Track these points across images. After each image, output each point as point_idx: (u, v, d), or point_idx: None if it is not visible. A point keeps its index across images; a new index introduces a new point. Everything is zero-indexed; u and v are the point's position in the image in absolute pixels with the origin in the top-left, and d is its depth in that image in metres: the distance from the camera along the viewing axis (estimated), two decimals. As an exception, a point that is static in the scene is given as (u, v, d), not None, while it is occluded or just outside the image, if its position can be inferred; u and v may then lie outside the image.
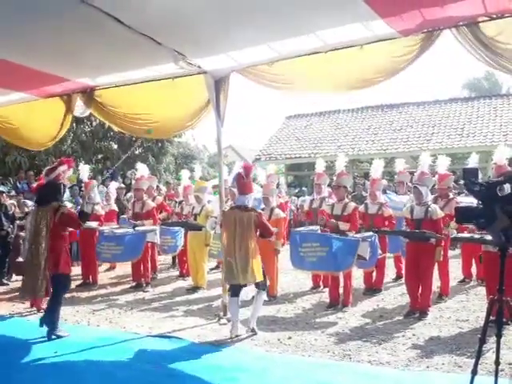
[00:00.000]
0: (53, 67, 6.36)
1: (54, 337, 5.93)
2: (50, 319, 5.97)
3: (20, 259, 9.43)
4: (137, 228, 8.78)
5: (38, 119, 8.13)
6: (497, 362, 3.40)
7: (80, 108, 7.75)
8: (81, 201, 10.69)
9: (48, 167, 6.67)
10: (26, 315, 7.23)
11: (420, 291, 6.61)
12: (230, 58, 6.11)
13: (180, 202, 10.24)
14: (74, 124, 16.67)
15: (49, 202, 5.99)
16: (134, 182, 10.43)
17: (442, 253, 6.72)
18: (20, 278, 9.64)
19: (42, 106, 7.84)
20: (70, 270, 6.25)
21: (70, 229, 6.52)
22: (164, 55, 5.86)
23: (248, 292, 5.97)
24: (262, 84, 6.33)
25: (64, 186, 6.41)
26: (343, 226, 7.17)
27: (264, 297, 6.05)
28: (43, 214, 5.94)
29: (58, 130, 8.08)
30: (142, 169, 10.18)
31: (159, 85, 6.86)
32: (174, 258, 10.94)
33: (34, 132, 8.47)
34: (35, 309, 7.28)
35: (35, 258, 5.85)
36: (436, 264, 6.86)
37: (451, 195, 8.06)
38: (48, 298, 6.12)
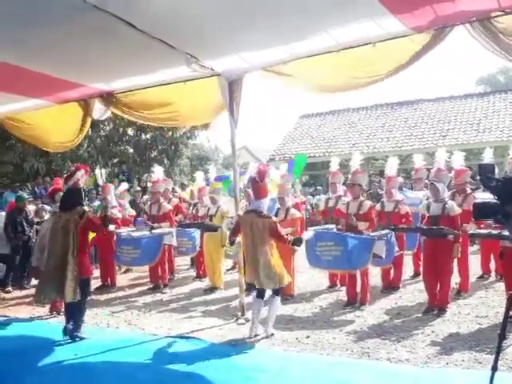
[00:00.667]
0: (66, 73, 6.43)
1: (77, 339, 6.02)
2: (76, 321, 6.08)
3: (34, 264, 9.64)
4: (154, 231, 8.85)
5: (57, 122, 8.27)
6: (517, 358, 3.38)
7: (98, 111, 7.85)
8: (98, 203, 10.77)
9: (65, 175, 6.83)
10: (46, 318, 7.33)
11: (438, 288, 6.57)
12: (242, 60, 6.15)
13: (195, 204, 10.28)
14: (90, 129, 16.85)
15: (73, 207, 6.10)
16: (150, 184, 10.49)
17: (461, 249, 6.67)
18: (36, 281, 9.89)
19: (60, 109, 7.97)
20: (91, 273, 6.37)
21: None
22: (177, 58, 5.91)
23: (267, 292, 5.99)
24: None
25: (84, 190, 6.54)
26: (362, 225, 7.15)
27: (278, 301, 6.03)
28: (69, 218, 6.02)
29: (77, 134, 8.21)
30: (157, 171, 10.26)
31: (174, 87, 6.94)
32: (192, 259, 10.99)
33: (54, 134, 8.64)
34: (55, 312, 7.37)
35: (61, 262, 5.90)
36: (455, 260, 6.82)
37: (469, 190, 7.99)
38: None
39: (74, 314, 6.11)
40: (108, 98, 7.53)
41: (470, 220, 7.04)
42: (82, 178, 6.57)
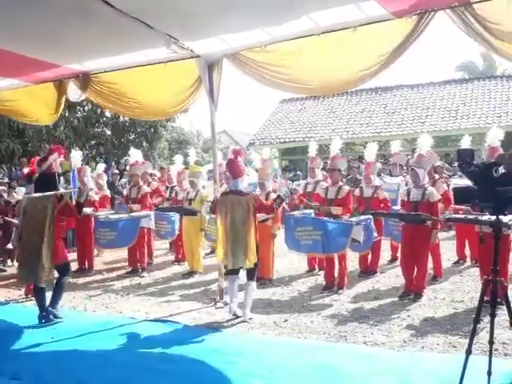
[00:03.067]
0: (42, 53, 6.29)
1: (50, 316, 6.02)
2: (53, 300, 6.10)
3: (9, 246, 9.55)
4: (131, 214, 8.78)
5: (33, 101, 8.18)
6: (491, 342, 3.43)
7: (75, 93, 7.70)
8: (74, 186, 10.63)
9: (39, 158, 6.66)
10: (21, 301, 7.25)
11: (415, 273, 6.65)
12: (222, 42, 6.07)
13: (172, 188, 10.21)
14: (66, 110, 16.56)
15: (47, 191, 5.99)
16: (128, 167, 10.37)
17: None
18: (11, 263, 9.80)
19: (35, 89, 7.84)
20: (67, 258, 6.35)
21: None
22: (156, 39, 5.81)
23: (243, 277, 6.02)
24: (250, 73, 6.31)
25: (58, 174, 6.41)
26: (336, 210, 7.19)
27: (254, 286, 6.07)
28: (43, 203, 5.93)
29: (52, 113, 8.13)
30: (135, 154, 10.15)
31: (152, 68, 6.82)
32: (171, 243, 10.94)
33: (31, 112, 8.58)
34: (30, 295, 7.28)
35: (36, 245, 5.85)
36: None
37: (437, 176, 8.07)
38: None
39: (51, 300, 6.09)
40: (83, 79, 7.39)
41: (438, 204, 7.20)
42: (55, 161, 6.36)
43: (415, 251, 6.57)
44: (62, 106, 8.18)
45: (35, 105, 8.25)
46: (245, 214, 5.79)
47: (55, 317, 6.07)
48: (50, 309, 6.05)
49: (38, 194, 6.10)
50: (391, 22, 5.19)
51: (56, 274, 6.10)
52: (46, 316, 6.04)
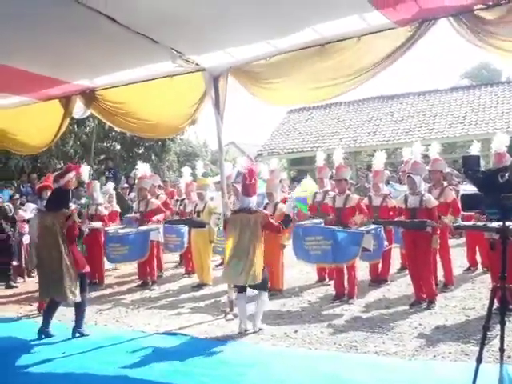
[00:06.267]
0: (49, 70, 6.37)
1: (77, 334, 6.06)
2: (77, 318, 6.13)
3: (15, 263, 9.63)
4: (140, 227, 8.82)
5: (35, 123, 8.14)
6: (501, 349, 3.41)
7: (79, 110, 7.77)
8: (85, 201, 10.71)
9: (57, 173, 6.82)
10: (33, 317, 7.28)
11: (422, 280, 6.61)
12: (227, 55, 6.12)
13: (182, 200, 10.24)
14: (75, 125, 16.71)
15: (59, 208, 6.05)
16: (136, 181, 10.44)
17: (439, 241, 6.72)
18: (22, 279, 9.88)
19: (39, 109, 7.86)
20: (87, 267, 6.36)
21: None
22: (161, 53, 5.89)
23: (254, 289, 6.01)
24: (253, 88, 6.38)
25: (72, 192, 6.51)
26: (358, 219, 7.24)
27: (265, 297, 6.05)
28: (55, 218, 5.99)
29: (54, 134, 8.08)
30: (142, 168, 10.22)
31: (157, 83, 6.88)
32: (181, 256, 10.95)
33: (30, 136, 8.48)
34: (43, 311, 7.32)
35: (54, 261, 5.89)
36: (438, 253, 6.89)
37: (445, 184, 8.06)
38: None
39: (76, 318, 6.14)
40: (88, 95, 7.45)
41: (448, 212, 7.21)
42: (72, 179, 6.53)
43: (418, 257, 6.55)
44: (64, 128, 8.14)
45: (34, 127, 8.20)
46: (253, 232, 5.80)
47: (82, 335, 6.08)
48: (77, 330, 6.08)
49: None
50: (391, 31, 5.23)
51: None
52: (47, 331, 6.08)
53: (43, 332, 6.08)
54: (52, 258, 5.93)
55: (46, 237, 6.03)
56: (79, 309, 6.13)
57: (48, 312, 6.22)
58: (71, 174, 6.48)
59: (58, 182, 6.40)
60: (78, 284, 5.94)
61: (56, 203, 6.12)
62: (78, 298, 5.96)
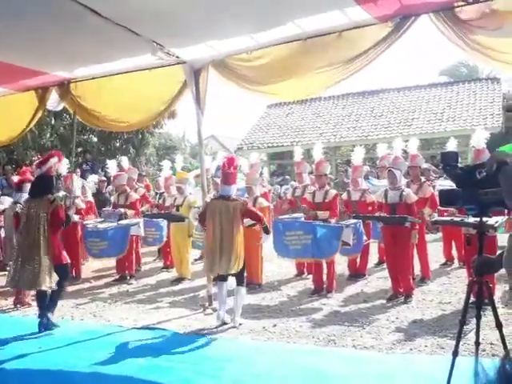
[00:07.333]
0: (28, 61, 6.23)
1: (50, 324, 5.97)
2: (49, 307, 6.04)
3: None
4: (120, 222, 8.73)
5: (7, 115, 7.94)
6: (477, 343, 3.45)
7: (54, 102, 7.64)
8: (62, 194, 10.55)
9: (39, 160, 6.71)
10: (8, 311, 7.17)
11: (400, 274, 6.69)
12: (208, 48, 6.07)
13: (161, 194, 10.18)
14: (53, 118, 16.43)
15: (42, 194, 6.00)
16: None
17: (418, 236, 6.81)
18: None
19: (10, 100, 7.67)
20: (66, 260, 6.27)
21: None
22: (142, 46, 5.79)
23: (233, 282, 6.02)
24: (236, 80, 6.32)
25: (56, 178, 6.43)
26: (322, 214, 7.21)
27: (243, 291, 6.08)
28: (39, 206, 5.94)
29: (25, 125, 7.92)
30: (113, 166, 10.19)
31: (134, 76, 6.80)
32: (159, 250, 10.89)
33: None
34: (19, 305, 7.22)
35: (33, 248, 5.84)
36: (415, 248, 6.98)
37: (423, 179, 8.15)
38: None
39: (47, 304, 6.03)
40: (63, 87, 7.32)
41: (425, 207, 7.35)
42: (55, 165, 6.48)
43: (397, 252, 6.62)
44: (36, 120, 7.97)
45: (5, 119, 7.99)
46: (232, 220, 5.82)
47: (48, 320, 5.98)
48: (45, 316, 5.97)
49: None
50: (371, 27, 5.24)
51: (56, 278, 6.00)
52: (46, 324, 5.97)
53: (42, 325, 5.96)
54: (31, 245, 5.86)
55: (29, 225, 5.95)
56: (52, 297, 6.04)
57: (40, 302, 6.11)
58: (53, 160, 6.40)
59: (40, 168, 6.34)
60: (53, 273, 5.86)
61: (40, 189, 6.07)
62: (54, 286, 5.88)
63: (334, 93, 23.44)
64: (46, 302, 6.07)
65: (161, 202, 9.74)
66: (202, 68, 6.49)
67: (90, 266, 10.37)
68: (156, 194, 10.89)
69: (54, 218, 6.00)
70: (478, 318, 3.41)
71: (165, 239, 9.23)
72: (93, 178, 10.56)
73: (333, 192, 7.49)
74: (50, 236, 5.93)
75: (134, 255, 9.11)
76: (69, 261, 6.29)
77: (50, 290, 5.92)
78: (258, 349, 5.15)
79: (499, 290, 6.48)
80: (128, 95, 7.17)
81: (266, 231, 6.38)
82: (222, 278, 6.00)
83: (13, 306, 7.30)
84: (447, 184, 6.13)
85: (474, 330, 3.50)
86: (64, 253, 6.21)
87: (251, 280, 7.45)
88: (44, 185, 6.12)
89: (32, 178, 8.51)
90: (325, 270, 7.26)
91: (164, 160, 11.44)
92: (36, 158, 15.07)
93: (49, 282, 5.84)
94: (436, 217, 7.06)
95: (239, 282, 5.99)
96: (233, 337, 5.58)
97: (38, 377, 4.70)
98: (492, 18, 4.67)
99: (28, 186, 8.01)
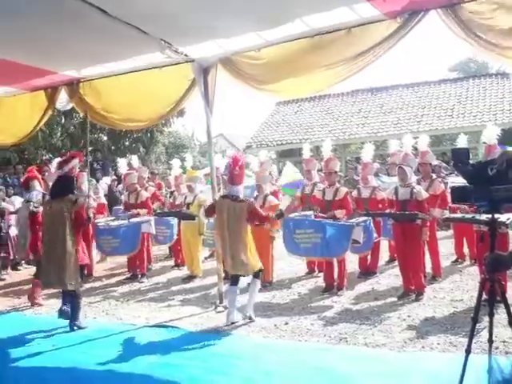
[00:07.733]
0: (38, 60, 6.30)
1: (75, 328, 6.00)
2: (73, 310, 6.05)
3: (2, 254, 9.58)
4: (131, 220, 8.76)
5: (16, 114, 8.02)
6: (490, 341, 3.44)
7: (63, 101, 7.69)
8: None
9: (61, 160, 6.77)
10: (22, 310, 7.23)
11: (412, 272, 6.66)
12: (217, 46, 6.08)
13: (172, 192, 10.21)
14: (63, 117, 16.52)
15: (64, 194, 6.02)
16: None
17: (429, 233, 6.77)
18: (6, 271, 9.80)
19: (20, 100, 7.77)
20: (86, 261, 6.38)
21: None
22: (150, 44, 5.82)
23: (244, 281, 6.02)
24: (244, 78, 6.33)
25: (76, 179, 6.59)
26: (339, 214, 7.18)
27: (258, 284, 6.10)
28: (61, 205, 5.96)
29: (35, 124, 8.01)
30: (123, 164, 10.23)
31: (143, 75, 6.84)
32: (170, 248, 10.93)
33: (10, 127, 8.36)
34: (32, 304, 7.29)
35: (58, 249, 5.88)
36: (426, 245, 6.94)
37: (434, 176, 8.10)
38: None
39: (72, 303, 6.07)
40: (73, 86, 7.37)
41: (436, 204, 7.25)
42: (75, 166, 6.50)
43: (407, 249, 6.59)
44: (46, 119, 8.06)
45: (14, 118, 8.06)
46: (238, 221, 5.84)
47: (79, 328, 6.02)
48: (73, 323, 6.01)
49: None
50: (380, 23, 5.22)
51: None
52: (67, 312, 6.03)
53: (73, 324, 6.01)
54: (56, 246, 5.91)
55: (51, 224, 6.01)
56: (75, 301, 6.08)
57: (64, 295, 6.17)
58: (75, 161, 6.42)
59: (62, 168, 6.34)
60: (78, 274, 5.96)
61: (62, 189, 6.08)
62: (78, 289, 5.96)
63: (342, 90, 23.39)
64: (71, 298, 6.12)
65: (171, 200, 9.78)
66: (210, 66, 6.50)
67: (101, 265, 10.44)
68: (167, 192, 10.93)
69: (78, 217, 6.03)
70: (491, 315, 3.38)
71: (175, 237, 9.27)
72: (106, 180, 10.61)
73: (343, 190, 7.45)
74: (76, 236, 6.00)
75: (145, 254, 9.14)
76: (88, 261, 6.34)
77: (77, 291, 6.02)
78: (269, 347, 5.15)
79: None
80: (136, 94, 7.20)
81: (280, 216, 6.42)
82: (232, 282, 6.00)
83: (26, 305, 7.35)
84: (459, 181, 6.09)
85: (487, 327, 3.49)
86: (86, 253, 6.27)
87: (262, 278, 7.44)
88: (66, 185, 6.13)
89: (38, 176, 8.61)
90: (336, 268, 7.24)
91: (173, 158, 11.47)
92: (47, 158, 15.21)
93: (76, 283, 5.95)
94: (447, 214, 7.01)
95: (255, 276, 6.01)
96: (244, 334, 5.59)
97: (51, 374, 4.73)
98: (500, 13, 4.64)
99: (35, 183, 8.07)
